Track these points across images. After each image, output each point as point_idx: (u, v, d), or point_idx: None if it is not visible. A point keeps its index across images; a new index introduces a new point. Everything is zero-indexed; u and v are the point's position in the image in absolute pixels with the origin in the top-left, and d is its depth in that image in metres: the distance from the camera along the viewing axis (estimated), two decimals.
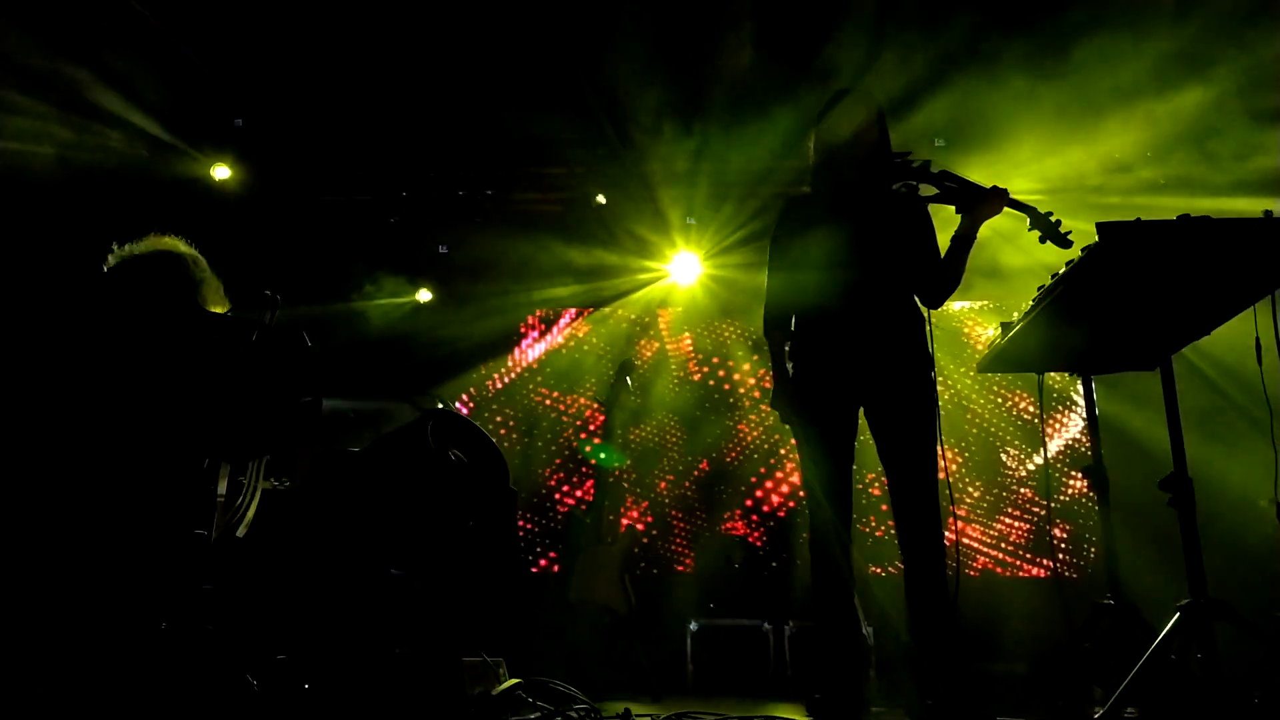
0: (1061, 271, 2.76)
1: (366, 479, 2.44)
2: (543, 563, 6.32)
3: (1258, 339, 2.78)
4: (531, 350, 6.97)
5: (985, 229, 3.13)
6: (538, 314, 7.00)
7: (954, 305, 6.55)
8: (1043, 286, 2.90)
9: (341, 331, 6.39)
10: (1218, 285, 2.77)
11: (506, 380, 6.89)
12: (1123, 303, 2.85)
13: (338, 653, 2.10)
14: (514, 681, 2.29)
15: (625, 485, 4.88)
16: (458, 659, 2.17)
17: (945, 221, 3.20)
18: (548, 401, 6.78)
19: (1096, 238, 2.55)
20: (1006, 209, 3.07)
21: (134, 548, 2.44)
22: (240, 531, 2.78)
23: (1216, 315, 2.95)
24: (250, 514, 2.72)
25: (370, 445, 2.71)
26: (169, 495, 2.52)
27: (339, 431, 4.56)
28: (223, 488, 2.72)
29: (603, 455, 5.71)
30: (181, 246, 2.74)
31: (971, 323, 6.61)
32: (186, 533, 2.41)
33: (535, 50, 5.24)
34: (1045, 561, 6.00)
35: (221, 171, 5.67)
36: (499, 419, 6.75)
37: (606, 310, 6.93)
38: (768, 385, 6.38)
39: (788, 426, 3.21)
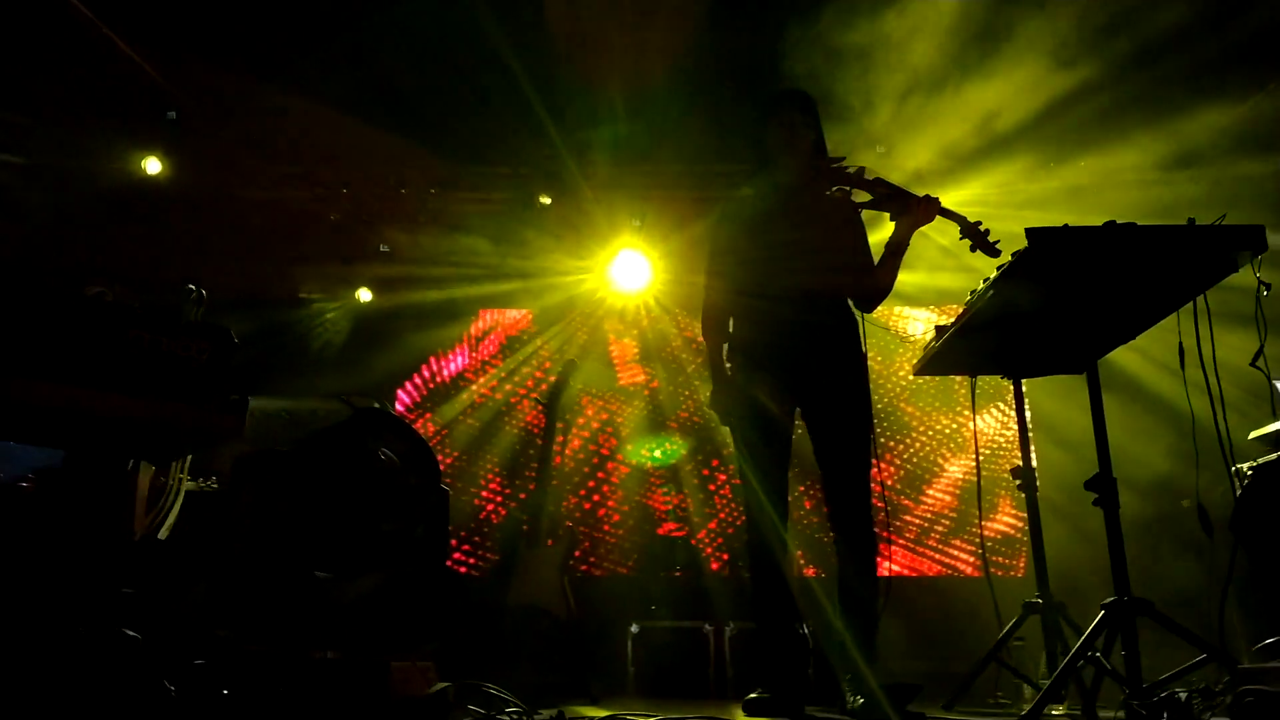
0: (992, 276, 2.81)
1: (293, 479, 2.39)
2: (484, 566, 6.26)
3: (1180, 344, 2.85)
4: (473, 352, 6.91)
5: None
6: (480, 315, 6.94)
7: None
8: (975, 291, 2.95)
9: (278, 330, 6.28)
10: (1143, 291, 2.84)
11: (446, 381, 6.82)
12: (1050, 307, 2.90)
13: (260, 657, 2.05)
14: (443, 685, 2.26)
15: (567, 488, 4.85)
16: (385, 663, 2.13)
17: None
18: (489, 404, 6.72)
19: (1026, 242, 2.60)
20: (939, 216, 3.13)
21: (49, 549, 2.36)
22: (163, 533, 2.71)
23: (1142, 320, 3.02)
24: (173, 515, 2.64)
25: (297, 444, 2.65)
26: (87, 495, 2.44)
27: (272, 432, 4.47)
28: (145, 488, 2.65)
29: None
30: None
31: None
32: (105, 534, 2.33)
33: (479, 49, 5.19)
34: (977, 560, 6.10)
35: (153, 165, 5.52)
36: (438, 421, 6.67)
37: (551, 312, 6.90)
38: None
39: (727, 427, 3.24)
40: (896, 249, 3.17)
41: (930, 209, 3.10)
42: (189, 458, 2.65)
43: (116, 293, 2.67)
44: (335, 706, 2.06)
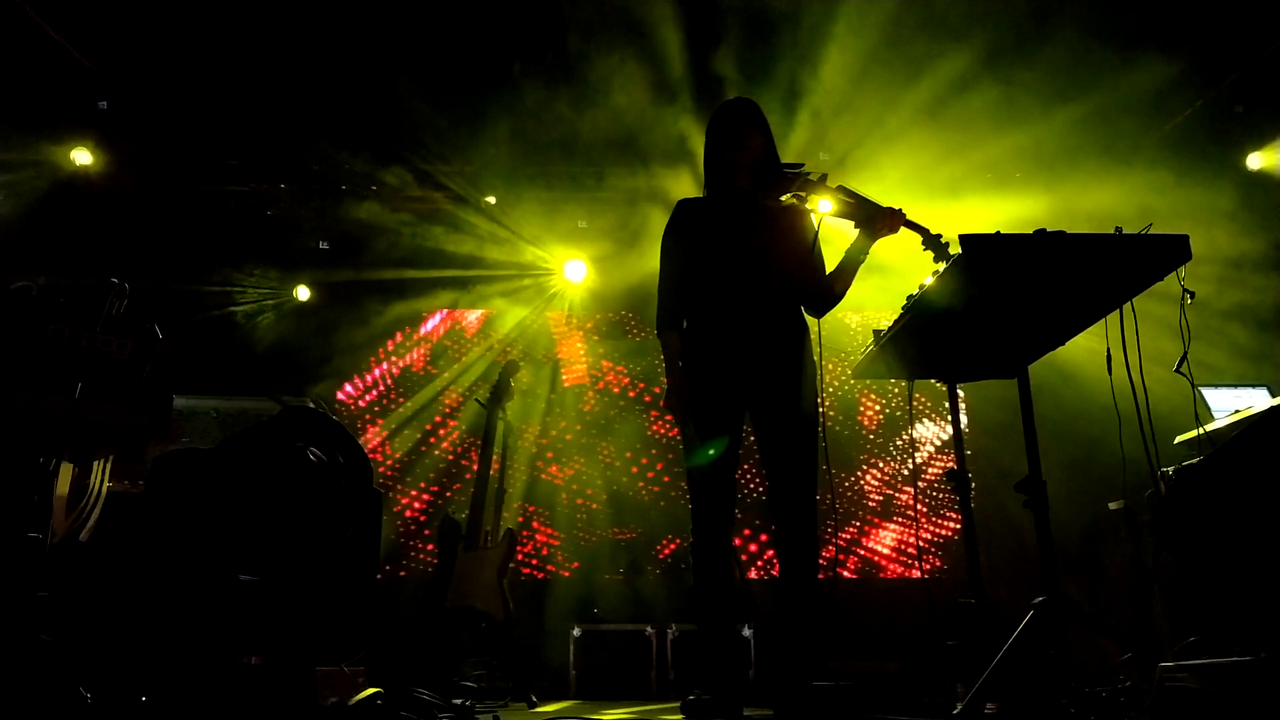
0: (927, 282, 2.84)
1: (217, 478, 2.33)
2: (420, 568, 6.18)
3: (1109, 350, 2.91)
4: (414, 351, 6.81)
5: None
6: (423, 314, 6.85)
7: None
8: (912, 295, 2.98)
9: (211, 328, 6.14)
10: (1072, 298, 2.90)
11: (386, 382, 6.72)
12: (982, 313, 2.95)
13: (181, 662, 1.99)
14: (372, 691, 2.21)
15: (507, 490, 4.81)
16: (311, 668, 2.08)
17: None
18: (429, 405, 6.64)
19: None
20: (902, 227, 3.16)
21: None
22: (83, 536, 2.61)
23: (1071, 327, 3.09)
24: (95, 517, 2.56)
25: (222, 442, 2.58)
26: (2, 495, 2.35)
27: (202, 431, 4.37)
28: (65, 489, 2.56)
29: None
30: None
31: None
32: (18, 536, 2.25)
33: (424, 45, 5.14)
34: (914, 563, 6.18)
35: (82, 156, 5.34)
36: (380, 422, 6.57)
37: (494, 311, 6.84)
38: (658, 390, 6.41)
39: (678, 427, 3.23)
40: (856, 258, 3.20)
41: (895, 220, 3.11)
42: (111, 457, 2.57)
43: (42, 286, 2.58)
44: (258, 714, 2.00)
